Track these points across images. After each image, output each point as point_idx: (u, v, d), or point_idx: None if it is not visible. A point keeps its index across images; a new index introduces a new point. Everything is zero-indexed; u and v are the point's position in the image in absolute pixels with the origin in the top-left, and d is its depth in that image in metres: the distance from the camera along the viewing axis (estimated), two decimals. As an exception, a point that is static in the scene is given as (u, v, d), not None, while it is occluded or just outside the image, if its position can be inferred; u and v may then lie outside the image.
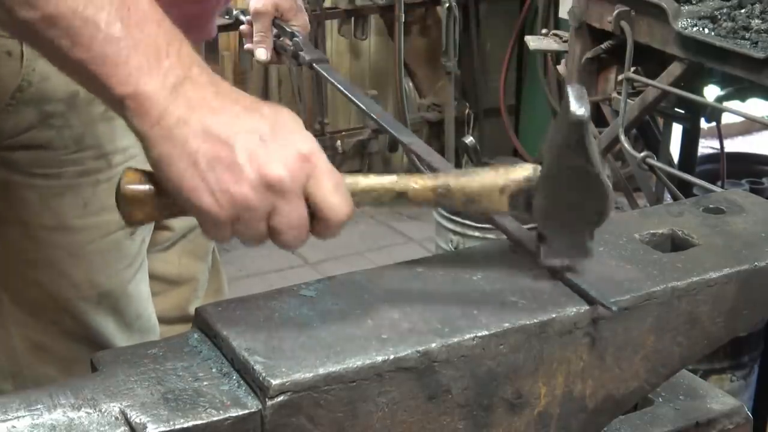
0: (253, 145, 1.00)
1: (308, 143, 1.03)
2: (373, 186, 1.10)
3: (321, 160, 1.03)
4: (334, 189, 1.03)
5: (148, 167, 1.04)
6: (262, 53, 1.96)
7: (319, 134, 4.90)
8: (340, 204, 1.04)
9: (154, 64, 1.00)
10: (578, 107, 1.07)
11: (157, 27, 1.03)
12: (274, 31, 1.97)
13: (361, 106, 1.67)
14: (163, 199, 1.04)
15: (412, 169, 1.57)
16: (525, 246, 1.19)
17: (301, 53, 1.90)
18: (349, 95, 1.74)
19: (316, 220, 1.04)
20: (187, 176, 1.00)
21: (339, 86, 1.80)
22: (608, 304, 1.10)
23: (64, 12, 0.99)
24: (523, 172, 1.12)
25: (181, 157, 1.00)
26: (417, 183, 1.10)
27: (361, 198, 1.09)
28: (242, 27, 2.05)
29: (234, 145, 1.00)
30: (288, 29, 1.94)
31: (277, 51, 1.98)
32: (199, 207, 1.01)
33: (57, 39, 1.00)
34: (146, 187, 1.04)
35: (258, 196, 1.00)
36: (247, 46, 2.04)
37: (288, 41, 1.95)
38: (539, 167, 1.12)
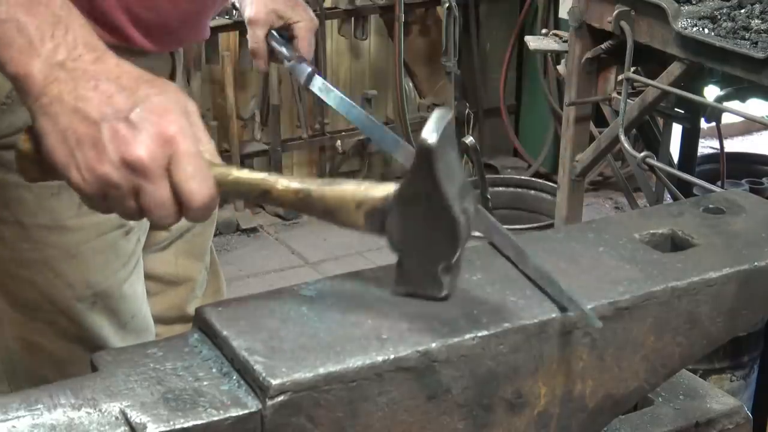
0: (118, 125, 1.04)
1: (175, 125, 1.05)
2: (242, 179, 1.10)
3: (184, 143, 1.05)
4: (192, 174, 1.05)
5: None
6: (260, 64, 1.91)
7: (319, 134, 4.90)
8: (198, 189, 1.06)
9: (38, 45, 1.06)
10: (431, 132, 1.00)
11: (45, 8, 1.07)
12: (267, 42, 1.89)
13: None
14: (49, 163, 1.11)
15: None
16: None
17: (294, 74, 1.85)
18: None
19: (180, 203, 1.07)
20: (58, 150, 1.06)
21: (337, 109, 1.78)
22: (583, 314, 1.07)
23: None
24: (384, 190, 1.06)
25: (53, 132, 1.06)
26: (281, 184, 1.09)
27: (230, 188, 1.10)
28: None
29: (101, 124, 1.04)
30: (286, 51, 1.87)
31: (275, 56, 1.91)
32: (69, 179, 1.07)
33: None
34: (35, 146, 1.11)
35: (119, 175, 1.05)
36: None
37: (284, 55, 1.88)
38: None
